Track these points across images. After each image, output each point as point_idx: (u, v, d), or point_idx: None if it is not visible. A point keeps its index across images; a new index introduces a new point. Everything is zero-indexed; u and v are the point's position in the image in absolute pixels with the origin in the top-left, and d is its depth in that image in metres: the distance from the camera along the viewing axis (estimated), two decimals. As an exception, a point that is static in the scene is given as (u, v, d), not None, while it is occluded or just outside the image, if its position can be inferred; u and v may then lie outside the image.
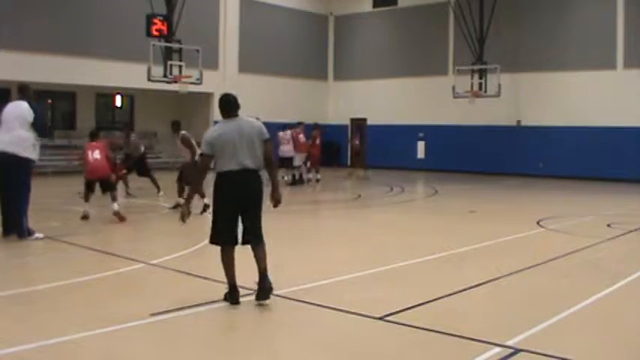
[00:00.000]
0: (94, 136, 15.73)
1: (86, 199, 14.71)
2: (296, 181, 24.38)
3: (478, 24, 30.75)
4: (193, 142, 15.95)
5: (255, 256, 7.62)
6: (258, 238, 7.64)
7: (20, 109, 11.96)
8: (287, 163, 24.31)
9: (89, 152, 14.74)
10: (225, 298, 7.52)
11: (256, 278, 7.58)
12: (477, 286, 8.72)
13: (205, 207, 15.12)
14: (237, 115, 7.73)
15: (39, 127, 12.19)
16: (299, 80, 36.74)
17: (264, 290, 7.50)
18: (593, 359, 6.05)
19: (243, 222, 7.57)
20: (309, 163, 25.35)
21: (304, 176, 24.99)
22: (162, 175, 20.66)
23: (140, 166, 19.80)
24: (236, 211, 7.54)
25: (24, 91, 12.35)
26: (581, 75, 29.48)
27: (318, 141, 25.48)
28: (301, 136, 24.67)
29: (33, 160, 12.03)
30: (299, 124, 25.81)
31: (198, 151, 15.67)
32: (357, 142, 26.60)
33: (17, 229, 11.77)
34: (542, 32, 30.47)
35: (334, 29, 38.80)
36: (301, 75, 36.91)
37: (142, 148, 19.88)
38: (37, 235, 11.87)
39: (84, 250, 11.14)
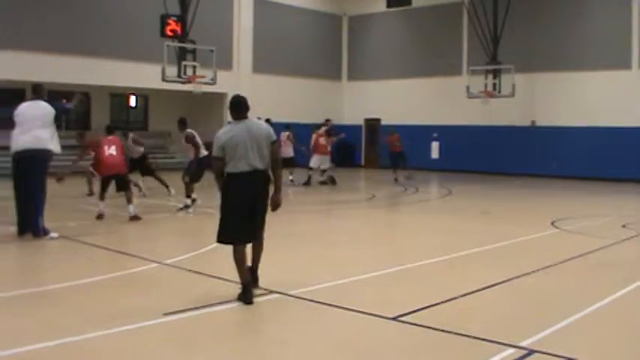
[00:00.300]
0: (110, 130, 15.64)
1: (101, 197, 14.66)
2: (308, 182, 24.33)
3: (492, 24, 30.67)
4: (198, 140, 15.98)
5: (254, 252, 8.04)
6: (261, 236, 8.01)
7: (40, 108, 12.03)
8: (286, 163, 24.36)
9: (105, 147, 14.63)
10: (239, 298, 7.55)
11: (260, 276, 8.09)
12: (490, 286, 8.70)
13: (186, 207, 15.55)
14: (246, 117, 7.84)
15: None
16: (313, 80, 36.76)
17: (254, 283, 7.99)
18: (607, 360, 6.03)
19: (251, 221, 7.75)
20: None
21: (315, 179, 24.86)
22: (175, 175, 20.67)
23: (141, 166, 19.77)
24: (247, 210, 7.68)
25: (39, 90, 12.41)
26: (597, 75, 29.35)
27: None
28: (322, 139, 24.56)
29: (53, 152, 12.10)
30: (327, 120, 26.93)
31: (202, 150, 15.79)
32: (397, 143, 26.14)
33: (33, 228, 11.84)
34: (557, 32, 30.35)
35: (348, 29, 38.81)
36: (315, 75, 36.93)
37: (141, 149, 19.82)
38: (52, 234, 11.92)
39: (98, 250, 11.18)
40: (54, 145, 12.06)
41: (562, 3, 30.42)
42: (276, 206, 7.96)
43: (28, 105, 12.14)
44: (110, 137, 15.05)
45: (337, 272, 9.39)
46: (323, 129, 25.22)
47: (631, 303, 8.23)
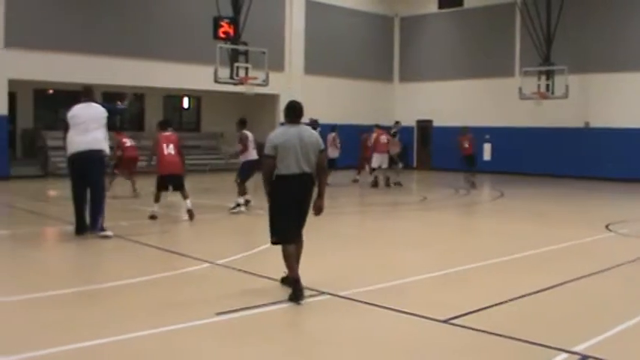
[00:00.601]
0: (165, 125, 15.33)
1: (156, 199, 14.58)
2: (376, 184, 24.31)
3: (545, 24, 30.33)
4: (247, 143, 16.13)
5: (297, 253, 8.06)
6: (302, 235, 8.16)
7: (95, 110, 12.26)
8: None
9: (163, 145, 14.54)
10: (290, 298, 7.63)
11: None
12: (543, 290, 8.62)
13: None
14: (299, 122, 8.09)
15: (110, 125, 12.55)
16: (364, 82, 36.75)
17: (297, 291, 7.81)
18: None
19: (297, 220, 8.04)
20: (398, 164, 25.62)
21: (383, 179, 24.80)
22: (227, 176, 20.82)
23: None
24: (296, 210, 7.95)
25: (90, 93, 12.66)
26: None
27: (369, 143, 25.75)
28: (383, 137, 24.51)
29: (106, 155, 12.41)
30: (396, 123, 27.55)
31: (253, 152, 15.90)
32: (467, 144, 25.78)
33: (93, 226, 12.16)
34: (611, 32, 29.91)
35: (400, 30, 38.73)
36: (367, 77, 36.91)
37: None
38: (108, 232, 12.13)
39: (151, 250, 11.32)
40: (106, 146, 12.34)
41: (616, 3, 29.97)
42: (319, 211, 8.11)
43: (82, 107, 12.34)
44: (166, 134, 14.89)
45: (388, 274, 9.39)
46: (393, 130, 25.47)
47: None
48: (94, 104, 12.40)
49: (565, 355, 6.06)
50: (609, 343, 6.55)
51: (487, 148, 34.29)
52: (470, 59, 35.08)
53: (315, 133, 8.09)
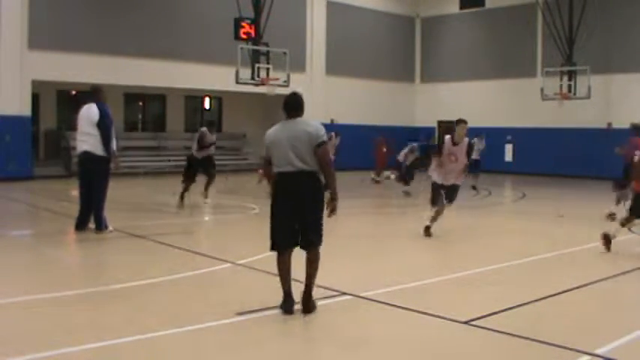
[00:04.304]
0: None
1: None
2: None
3: (567, 24, 30.18)
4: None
5: (307, 266, 7.36)
6: (312, 244, 7.35)
7: (88, 111, 12.43)
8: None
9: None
10: (280, 306, 7.33)
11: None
12: (565, 291, 8.58)
13: None
14: (297, 116, 7.43)
15: (107, 126, 12.49)
16: (386, 82, 36.70)
17: (305, 306, 7.33)
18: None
19: (299, 225, 7.31)
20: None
21: None
22: (248, 177, 20.86)
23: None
24: (289, 212, 7.28)
25: (95, 93, 12.80)
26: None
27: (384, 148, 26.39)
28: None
29: (105, 156, 12.42)
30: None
31: None
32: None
33: (96, 222, 12.53)
34: (633, 32, 29.74)
35: (421, 31, 38.67)
36: (388, 77, 36.86)
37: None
38: (110, 228, 12.54)
39: (172, 249, 11.36)
40: (99, 147, 12.36)
41: (638, 3, 29.77)
42: (331, 211, 7.34)
43: (84, 108, 12.66)
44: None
45: (409, 275, 9.37)
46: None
47: None
48: (92, 106, 12.48)
49: (587, 357, 6.03)
50: (633, 346, 6.51)
51: (509, 148, 34.17)
52: (491, 60, 34.97)
53: (313, 126, 7.30)
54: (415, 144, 24.13)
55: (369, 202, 20.19)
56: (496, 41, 34.87)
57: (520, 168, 32.89)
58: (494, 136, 33.80)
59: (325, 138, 7.33)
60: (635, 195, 11.62)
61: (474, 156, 23.68)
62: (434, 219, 13.11)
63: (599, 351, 6.17)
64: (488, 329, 6.83)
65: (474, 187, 23.71)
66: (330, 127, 22.16)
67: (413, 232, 14.41)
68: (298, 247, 7.37)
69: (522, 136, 33.43)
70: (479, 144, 24.01)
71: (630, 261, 10.82)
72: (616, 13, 30.26)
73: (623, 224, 11.71)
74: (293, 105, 7.50)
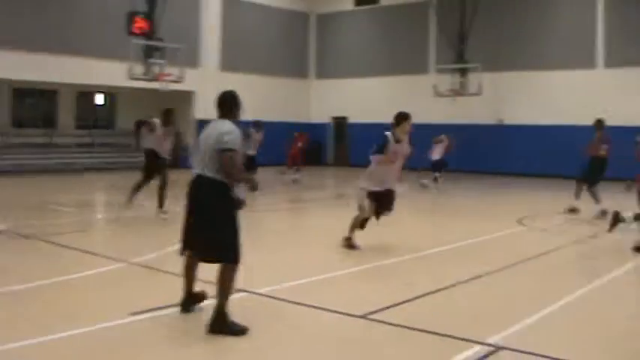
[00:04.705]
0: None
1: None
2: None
3: (459, 22, 30.84)
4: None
5: (217, 280, 6.73)
6: (207, 258, 6.80)
7: None
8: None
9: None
10: (180, 304, 7.19)
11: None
12: (458, 284, 8.76)
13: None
14: (224, 116, 6.97)
15: None
16: (280, 79, 36.69)
17: (210, 325, 6.63)
18: (572, 356, 6.07)
19: (194, 234, 6.86)
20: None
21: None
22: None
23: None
24: (189, 218, 6.89)
25: None
26: (562, 74, 29.63)
27: (300, 144, 26.12)
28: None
29: None
30: None
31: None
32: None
33: None
34: (523, 31, 30.58)
35: (316, 27, 38.79)
36: (283, 73, 36.85)
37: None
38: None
39: (65, 250, 11.06)
40: None
41: (528, 2, 30.65)
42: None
43: None
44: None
45: (305, 271, 9.37)
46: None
47: (597, 298, 8.32)
48: None
49: (479, 346, 6.16)
50: (522, 334, 6.69)
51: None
52: (385, 56, 35.36)
53: (222, 129, 6.74)
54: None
55: (265, 200, 20.14)
56: (390, 38, 35.29)
57: (413, 163, 33.31)
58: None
59: (231, 145, 6.62)
60: None
61: (439, 155, 24.01)
62: (357, 227, 11.45)
63: (490, 340, 6.32)
64: (385, 322, 6.91)
65: (423, 185, 23.87)
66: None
67: (313, 228, 14.48)
68: None
69: (415, 132, 33.82)
70: (446, 141, 24.25)
71: (518, 252, 11.10)
72: (506, 11, 31.05)
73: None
74: (218, 103, 7.08)
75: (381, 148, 11.44)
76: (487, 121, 31.43)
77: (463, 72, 30.65)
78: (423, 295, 8.06)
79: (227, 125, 6.83)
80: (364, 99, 35.79)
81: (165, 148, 14.88)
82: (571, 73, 29.38)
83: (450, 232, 13.57)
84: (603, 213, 15.40)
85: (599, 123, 17.31)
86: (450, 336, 6.49)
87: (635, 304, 8.39)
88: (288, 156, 26.68)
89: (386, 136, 11.66)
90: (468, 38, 30.68)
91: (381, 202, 11.40)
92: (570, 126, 29.06)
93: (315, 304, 7.50)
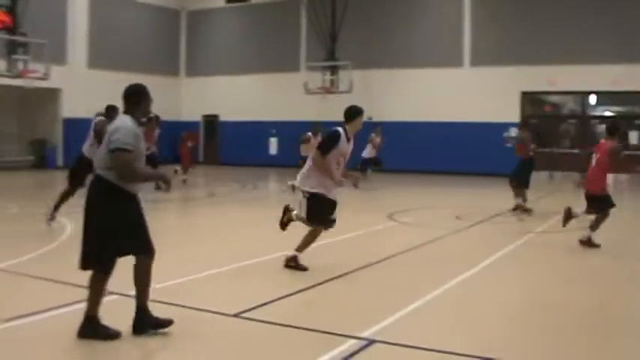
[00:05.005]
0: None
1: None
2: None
3: (330, 21, 31.16)
4: None
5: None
6: (83, 262, 6.31)
7: None
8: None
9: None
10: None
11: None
12: (330, 280, 8.80)
13: None
14: (127, 112, 6.40)
15: None
16: (150, 76, 35.88)
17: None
18: (444, 347, 6.18)
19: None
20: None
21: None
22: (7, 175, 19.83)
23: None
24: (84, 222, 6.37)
25: None
26: (431, 72, 30.46)
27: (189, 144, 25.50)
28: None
29: None
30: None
31: None
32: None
33: None
34: (393, 30, 31.20)
35: (187, 24, 38.36)
36: (153, 71, 36.21)
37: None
38: None
39: None
40: None
41: (398, 2, 31.27)
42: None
43: None
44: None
45: (176, 271, 9.18)
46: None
47: (463, 291, 8.52)
48: None
49: (354, 341, 6.20)
50: (394, 326, 6.79)
51: (273, 142, 34.74)
52: (257, 54, 35.34)
53: (114, 126, 6.27)
54: None
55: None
56: (261, 36, 35.29)
57: (285, 161, 33.46)
58: (260, 130, 34.33)
59: (119, 144, 6.08)
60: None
61: (370, 154, 23.74)
62: (307, 244, 9.63)
63: (364, 334, 6.37)
64: (258, 320, 6.86)
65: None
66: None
67: (183, 227, 14.30)
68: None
69: (288, 130, 34.06)
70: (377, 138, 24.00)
71: (389, 247, 11.26)
72: (376, 10, 31.60)
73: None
74: (125, 98, 6.44)
75: (332, 144, 9.36)
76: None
77: (334, 70, 30.97)
78: (297, 292, 8.06)
79: (118, 122, 6.34)
80: (235, 97, 35.69)
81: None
82: (439, 71, 30.26)
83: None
84: (517, 208, 15.97)
85: (526, 124, 17.93)
86: (323, 332, 6.50)
87: (506, 291, 8.64)
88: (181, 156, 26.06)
89: (338, 132, 9.44)
90: (338, 36, 31.10)
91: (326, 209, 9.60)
92: (437, 123, 29.86)
93: (187, 304, 7.38)
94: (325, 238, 12.05)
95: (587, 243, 11.50)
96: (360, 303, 7.88)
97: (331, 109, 31.34)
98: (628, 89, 27.85)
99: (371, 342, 6.19)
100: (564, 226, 11.97)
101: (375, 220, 14.67)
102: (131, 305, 6.54)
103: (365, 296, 8.22)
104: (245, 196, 20.88)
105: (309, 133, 20.71)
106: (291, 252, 9.43)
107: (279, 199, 20.72)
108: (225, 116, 36.26)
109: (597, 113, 31.16)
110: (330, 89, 30.69)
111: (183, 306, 7.35)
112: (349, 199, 19.88)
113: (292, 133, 33.61)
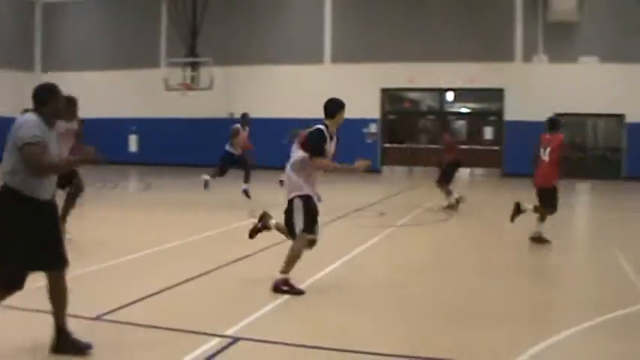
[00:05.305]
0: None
1: None
2: None
3: (191, 17, 30.88)
4: None
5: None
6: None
7: None
8: None
9: None
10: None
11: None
12: (193, 278, 8.74)
13: None
14: (35, 110, 6.01)
15: None
16: (3, 72, 34.69)
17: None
18: (308, 340, 6.24)
19: None
20: None
21: None
22: None
23: None
24: None
25: None
26: (292, 68, 30.72)
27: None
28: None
29: None
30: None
31: None
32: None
33: None
34: (254, 26, 31.26)
35: (43, 18, 37.05)
36: (6, 66, 34.86)
37: None
38: None
39: None
40: None
41: (257, 1, 31.39)
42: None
43: None
44: None
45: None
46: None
47: (327, 284, 8.62)
48: None
49: (218, 339, 6.17)
50: (258, 323, 6.85)
51: (133, 139, 34.17)
52: (117, 49, 34.58)
53: (20, 122, 5.82)
54: None
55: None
56: (121, 31, 34.56)
57: (145, 158, 32.98)
58: (119, 127, 33.65)
59: (27, 139, 5.63)
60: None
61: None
62: (293, 263, 8.34)
63: (228, 332, 6.38)
64: (121, 322, 6.73)
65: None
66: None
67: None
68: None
69: (148, 127, 33.56)
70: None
71: (252, 244, 11.24)
72: (237, 5, 31.57)
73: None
74: (34, 95, 6.08)
75: (322, 143, 8.49)
76: (218, 115, 31.62)
77: (194, 66, 30.70)
78: (159, 292, 7.95)
79: (20, 119, 5.91)
80: (95, 93, 34.72)
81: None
82: (301, 68, 30.52)
83: (183, 227, 13.52)
84: (451, 204, 16.34)
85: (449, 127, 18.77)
86: (186, 331, 6.45)
87: (375, 276, 8.80)
88: None
89: (321, 130, 8.68)
90: (199, 32, 30.84)
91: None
92: (300, 119, 30.03)
93: (41, 309, 7.09)
94: (188, 236, 11.98)
95: (538, 240, 11.75)
96: (224, 300, 7.88)
97: (191, 106, 31.21)
98: (483, 86, 28.99)
99: (235, 339, 6.18)
100: (512, 221, 12.15)
101: (237, 218, 14.57)
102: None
103: (229, 293, 8.22)
104: (107, 195, 20.34)
105: (238, 125, 19.72)
106: (278, 275, 8.19)
107: (140, 196, 20.38)
108: (82, 113, 35.25)
109: (454, 110, 32.26)
110: (190, 86, 30.41)
111: (39, 310, 7.05)
112: (210, 198, 19.75)
113: (152, 130, 33.22)
